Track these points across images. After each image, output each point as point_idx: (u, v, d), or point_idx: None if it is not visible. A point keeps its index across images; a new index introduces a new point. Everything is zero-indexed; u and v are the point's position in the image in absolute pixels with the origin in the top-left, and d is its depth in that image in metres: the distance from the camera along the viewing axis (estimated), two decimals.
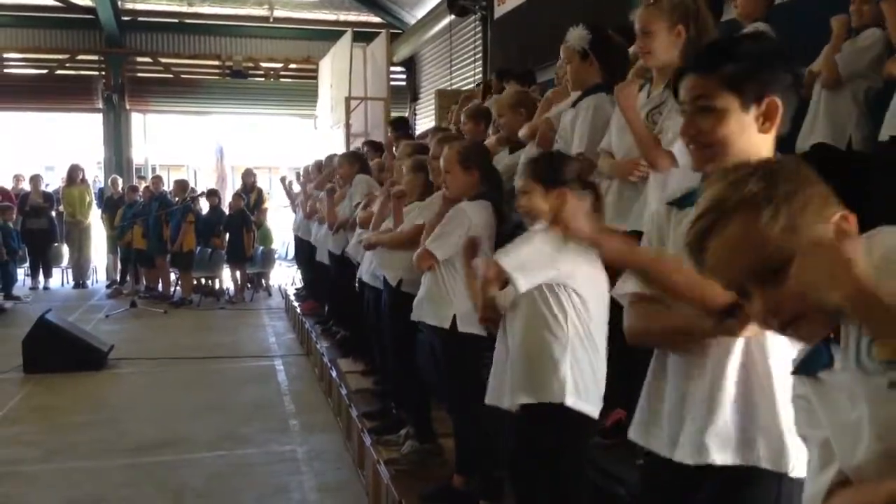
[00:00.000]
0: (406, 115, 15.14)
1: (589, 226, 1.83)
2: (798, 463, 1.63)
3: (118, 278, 12.90)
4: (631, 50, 3.95)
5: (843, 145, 3.71)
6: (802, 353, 1.28)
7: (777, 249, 1.16)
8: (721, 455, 1.71)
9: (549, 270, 2.52)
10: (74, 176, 13.01)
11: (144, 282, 12.27)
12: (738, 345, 1.70)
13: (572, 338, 2.57)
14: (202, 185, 16.18)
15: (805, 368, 1.26)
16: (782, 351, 1.61)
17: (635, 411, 1.91)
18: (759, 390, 1.69)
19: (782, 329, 1.22)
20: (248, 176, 12.78)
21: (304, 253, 8.99)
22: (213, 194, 12.18)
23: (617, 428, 3.46)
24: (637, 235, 2.75)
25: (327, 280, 7.56)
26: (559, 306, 2.57)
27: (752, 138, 1.65)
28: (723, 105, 1.64)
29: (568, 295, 2.57)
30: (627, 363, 3.47)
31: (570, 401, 2.56)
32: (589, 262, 2.48)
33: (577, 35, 3.71)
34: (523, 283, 2.49)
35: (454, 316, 3.45)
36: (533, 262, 2.49)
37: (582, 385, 2.57)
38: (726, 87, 1.63)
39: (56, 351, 7.22)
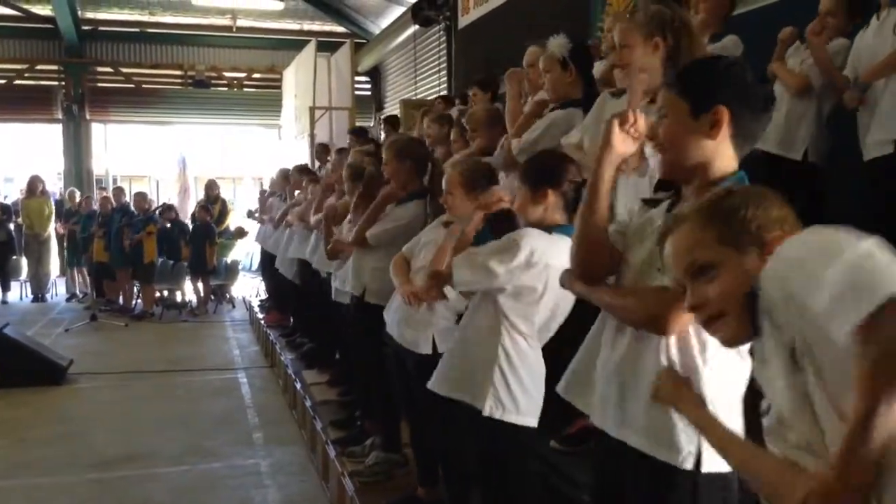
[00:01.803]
0: (371, 124, 15.14)
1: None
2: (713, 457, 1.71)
3: (87, 291, 12.69)
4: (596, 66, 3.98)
5: (798, 156, 3.73)
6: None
7: (707, 253, 1.43)
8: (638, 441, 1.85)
9: (492, 283, 2.60)
10: (34, 188, 12.79)
11: (103, 294, 12.09)
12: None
13: (509, 349, 2.61)
14: (165, 196, 16.01)
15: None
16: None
17: None
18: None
19: (706, 325, 1.46)
20: (212, 187, 12.65)
21: (269, 264, 8.94)
22: (169, 209, 12.01)
23: (581, 436, 3.49)
24: None
25: (292, 291, 7.53)
26: (500, 317, 2.63)
27: (701, 142, 1.83)
28: (674, 111, 1.86)
29: (513, 309, 2.62)
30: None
31: (488, 412, 2.61)
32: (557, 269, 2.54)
33: (557, 43, 3.69)
34: (462, 286, 2.69)
35: (433, 337, 3.35)
36: (481, 271, 2.59)
37: (507, 396, 2.60)
38: (679, 96, 1.86)
39: (14, 366, 7.09)
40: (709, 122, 1.81)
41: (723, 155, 1.84)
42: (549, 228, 2.63)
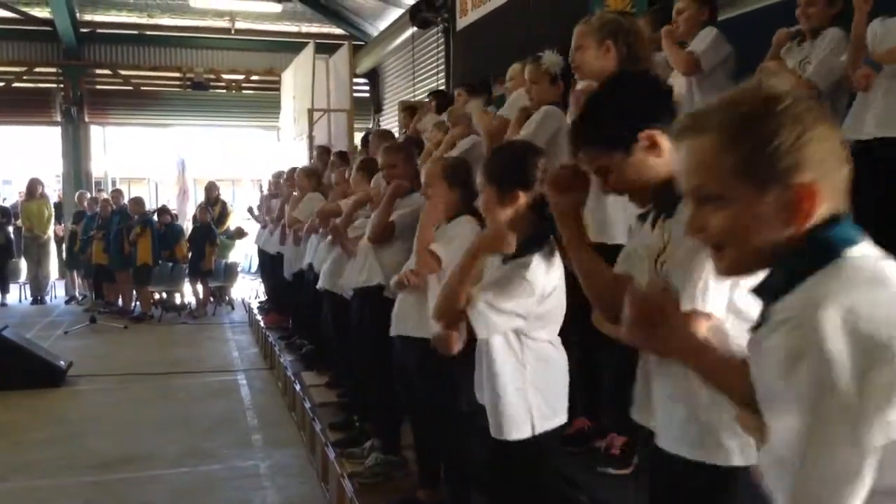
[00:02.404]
0: (370, 126, 15.15)
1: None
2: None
3: (86, 293, 12.70)
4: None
5: None
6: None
7: (718, 184, 1.22)
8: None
9: (515, 325, 2.49)
10: (33, 190, 12.83)
11: (102, 296, 12.10)
12: None
13: (531, 362, 2.53)
14: (164, 198, 16.04)
15: (759, 291, 1.30)
16: None
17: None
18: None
19: (706, 244, 1.29)
20: (212, 189, 12.66)
21: (268, 265, 8.95)
22: (164, 212, 12.01)
23: (580, 436, 3.49)
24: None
25: (291, 292, 7.54)
26: (521, 338, 2.54)
27: (650, 165, 1.83)
28: (612, 163, 1.85)
29: (533, 329, 2.53)
30: (592, 372, 3.53)
31: (537, 429, 2.52)
32: (559, 279, 2.52)
33: (552, 59, 3.79)
34: (485, 334, 2.47)
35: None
36: (502, 321, 2.44)
37: (545, 404, 2.53)
38: (607, 149, 1.86)
39: (13, 368, 7.09)
40: (644, 147, 1.83)
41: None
42: (533, 242, 2.48)
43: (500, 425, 2.53)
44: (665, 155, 1.83)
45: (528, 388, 2.51)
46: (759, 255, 1.22)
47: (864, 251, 1.16)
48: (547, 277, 2.45)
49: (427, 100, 7.25)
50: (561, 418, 2.59)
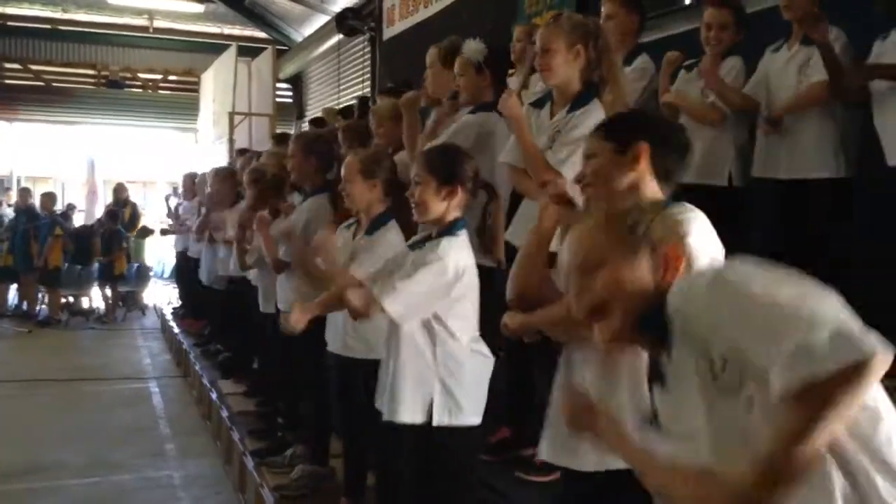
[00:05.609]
0: (292, 132, 14.98)
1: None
2: None
3: None
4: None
5: (724, 181, 3.66)
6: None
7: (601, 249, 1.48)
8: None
9: (433, 308, 2.56)
10: None
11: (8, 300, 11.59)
12: None
13: (442, 358, 2.57)
14: (71, 198, 15.48)
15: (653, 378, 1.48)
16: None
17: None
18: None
19: (584, 315, 1.49)
20: (121, 191, 12.31)
21: (185, 270, 8.72)
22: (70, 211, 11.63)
23: (502, 445, 3.51)
24: None
25: (212, 298, 7.35)
26: (429, 331, 2.58)
27: (626, 174, 2.01)
28: (601, 152, 2.05)
29: (443, 321, 2.58)
30: (521, 383, 3.54)
31: (444, 421, 2.57)
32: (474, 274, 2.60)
33: (473, 48, 3.70)
34: (407, 323, 2.56)
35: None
36: (419, 304, 2.53)
37: (454, 401, 2.57)
38: (605, 139, 2.07)
39: None
40: (631, 156, 1.99)
41: (648, 185, 2.00)
42: (451, 228, 2.63)
43: (393, 409, 2.61)
44: (638, 169, 2.01)
45: (435, 379, 2.56)
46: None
47: None
48: (462, 257, 2.57)
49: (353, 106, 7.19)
50: (473, 419, 2.62)
